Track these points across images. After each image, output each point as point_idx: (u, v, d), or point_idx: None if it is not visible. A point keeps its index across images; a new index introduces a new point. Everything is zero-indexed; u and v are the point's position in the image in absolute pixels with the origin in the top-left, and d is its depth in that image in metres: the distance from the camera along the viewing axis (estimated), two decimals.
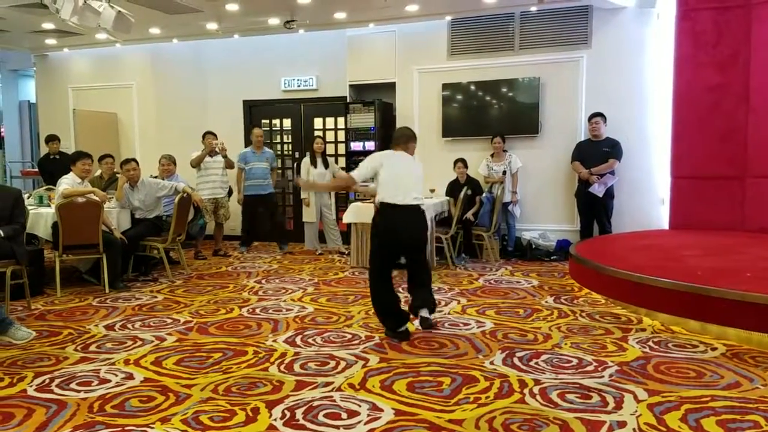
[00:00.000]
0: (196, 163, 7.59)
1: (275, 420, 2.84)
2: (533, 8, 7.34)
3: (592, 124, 7.00)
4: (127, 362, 3.71)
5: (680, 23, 6.81)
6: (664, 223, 7.12)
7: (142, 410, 2.98)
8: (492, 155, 7.54)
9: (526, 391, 3.16)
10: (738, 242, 6.00)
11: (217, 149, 7.60)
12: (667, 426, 2.72)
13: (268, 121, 9.10)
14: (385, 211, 4.15)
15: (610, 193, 6.94)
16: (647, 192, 7.24)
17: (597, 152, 6.91)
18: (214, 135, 7.69)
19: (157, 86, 9.38)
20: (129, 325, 4.58)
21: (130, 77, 9.48)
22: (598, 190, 6.82)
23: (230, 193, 8.00)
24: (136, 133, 9.58)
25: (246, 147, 8.21)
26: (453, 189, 7.32)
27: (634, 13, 7.11)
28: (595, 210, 7.03)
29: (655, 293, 4.47)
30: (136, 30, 7.46)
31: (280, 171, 8.64)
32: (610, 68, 7.25)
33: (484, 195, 7.28)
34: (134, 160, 6.52)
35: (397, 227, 4.15)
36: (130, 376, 3.46)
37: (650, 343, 3.95)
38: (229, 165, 7.75)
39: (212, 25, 7.95)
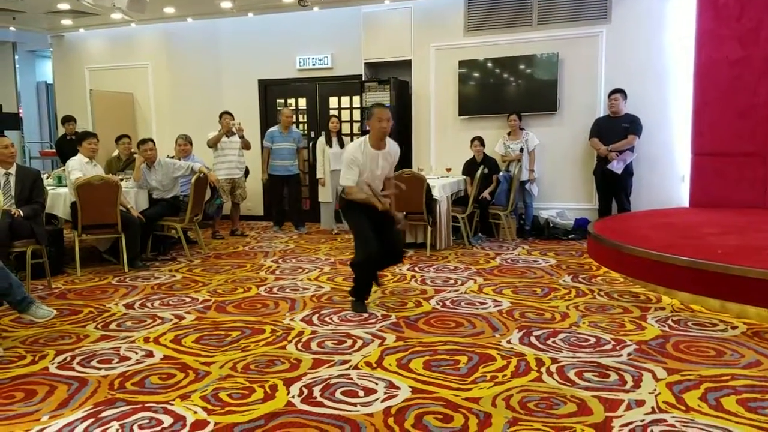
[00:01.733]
0: (213, 144, 7.59)
1: (293, 397, 2.86)
2: None
3: (611, 101, 6.88)
4: (146, 340, 3.76)
5: None
6: (684, 200, 7.02)
7: (162, 387, 3.02)
8: (508, 133, 7.46)
9: (543, 369, 3.16)
10: (759, 220, 5.91)
11: (233, 129, 7.60)
12: (687, 405, 2.70)
13: (283, 101, 9.07)
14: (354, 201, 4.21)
15: (629, 171, 6.84)
16: (667, 169, 7.13)
17: (616, 128, 6.80)
18: (231, 115, 7.68)
19: (173, 66, 9.37)
20: (148, 304, 4.63)
21: (146, 57, 9.47)
22: (616, 167, 6.73)
23: (247, 173, 8.00)
24: (152, 114, 9.59)
25: (273, 126, 8.14)
26: (469, 168, 7.26)
27: None
28: (613, 188, 6.94)
29: (674, 271, 4.42)
30: (151, 10, 7.46)
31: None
32: (630, 43, 7.11)
33: (501, 174, 7.22)
34: (151, 140, 6.54)
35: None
36: (150, 354, 3.50)
37: (669, 322, 3.92)
38: (245, 146, 7.74)
39: (226, 4, 7.91)
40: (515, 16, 7.55)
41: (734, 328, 3.77)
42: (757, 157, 6.57)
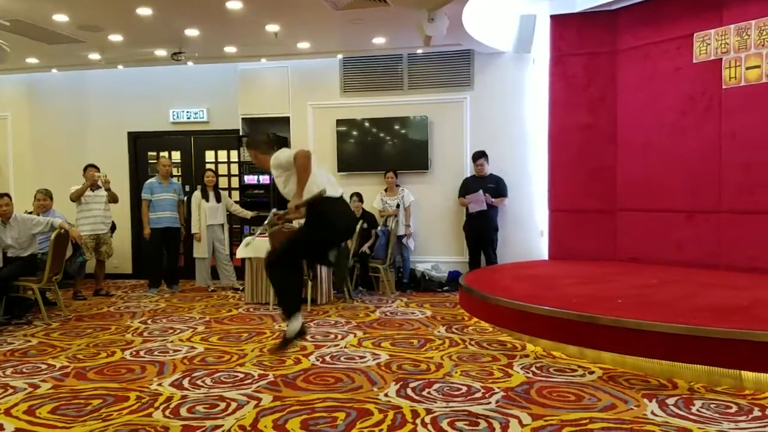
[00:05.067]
0: (76, 197, 7.18)
1: None
2: (419, 51, 7.70)
3: (477, 166, 7.38)
4: None
5: (553, 68, 7.38)
6: (544, 253, 7.57)
7: None
8: (386, 189, 7.72)
9: (418, 421, 3.22)
10: (610, 271, 6.46)
11: (99, 183, 7.24)
12: None
13: (155, 153, 8.78)
14: (330, 202, 3.78)
15: (494, 226, 7.33)
16: (529, 224, 7.69)
17: (482, 188, 7.27)
18: (96, 168, 7.33)
19: (34, 118, 8.84)
20: (0, 372, 4.21)
21: (5, 108, 8.88)
22: (478, 206, 7.15)
23: (113, 228, 7.60)
24: (10, 167, 8.92)
25: (139, 178, 7.83)
26: None
27: (511, 57, 7.63)
28: (481, 242, 7.38)
29: (536, 320, 4.72)
30: (12, 59, 7.03)
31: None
32: (491, 109, 7.72)
33: (379, 228, 7.42)
34: (7, 195, 6.09)
35: (348, 214, 4.07)
36: (0, 427, 3.17)
37: (533, 369, 4.16)
38: (113, 199, 7.38)
39: (95, 56, 7.62)
40: (388, 80, 7.97)
41: (591, 372, 4.07)
42: (606, 213, 7.26)
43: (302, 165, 3.59)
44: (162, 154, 8.73)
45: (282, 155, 3.78)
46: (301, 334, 3.93)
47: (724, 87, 6.22)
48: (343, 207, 3.94)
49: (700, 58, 6.41)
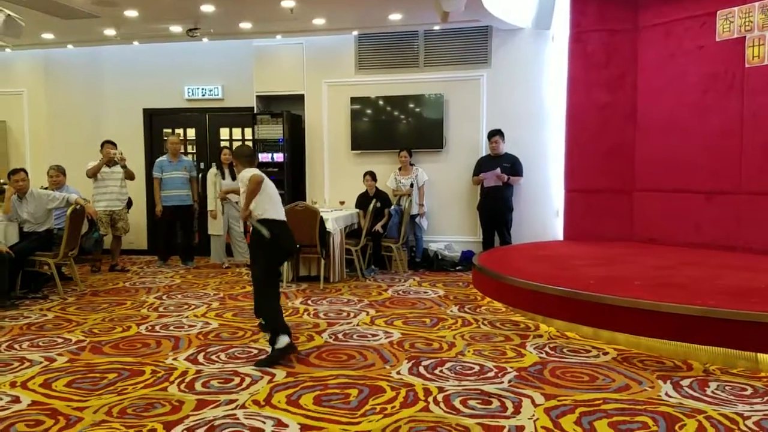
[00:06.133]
0: (93, 174, 7.22)
1: None
2: (436, 27, 7.58)
3: (492, 143, 7.30)
4: (13, 385, 3.47)
5: (573, 45, 7.24)
6: (559, 234, 7.50)
7: None
8: (399, 169, 7.68)
9: (430, 399, 3.23)
10: (627, 252, 6.42)
11: (116, 159, 7.27)
12: (563, 429, 2.86)
13: (170, 131, 8.79)
14: (273, 224, 4.12)
15: (509, 206, 7.27)
16: (544, 205, 7.62)
17: (496, 167, 7.18)
18: (113, 144, 7.36)
19: (50, 93, 8.87)
20: (16, 346, 4.26)
21: (21, 84, 8.92)
22: (493, 181, 7.09)
23: (130, 204, 7.65)
24: (26, 143, 9.00)
25: (153, 155, 7.89)
26: (362, 201, 7.38)
27: (530, 34, 7.50)
28: (495, 222, 7.32)
29: (550, 301, 4.70)
30: (28, 35, 7.04)
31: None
32: (508, 87, 7.60)
33: (392, 207, 7.39)
34: (23, 170, 6.13)
35: (289, 235, 4.27)
36: (17, 400, 3.23)
37: (546, 349, 4.15)
38: (129, 176, 7.43)
39: (110, 31, 7.61)
40: (403, 57, 7.87)
41: (605, 354, 4.05)
42: (623, 193, 7.18)
43: (251, 189, 3.99)
44: (177, 131, 8.76)
45: (246, 174, 4.07)
46: (292, 349, 3.99)
47: (747, 66, 6.08)
48: (281, 229, 4.15)
49: (723, 36, 6.26)
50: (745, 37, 6.07)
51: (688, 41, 6.55)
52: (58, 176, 6.83)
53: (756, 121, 6.04)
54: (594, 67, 7.16)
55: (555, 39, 7.46)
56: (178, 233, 7.93)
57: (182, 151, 8.04)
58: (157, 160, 7.78)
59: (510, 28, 7.45)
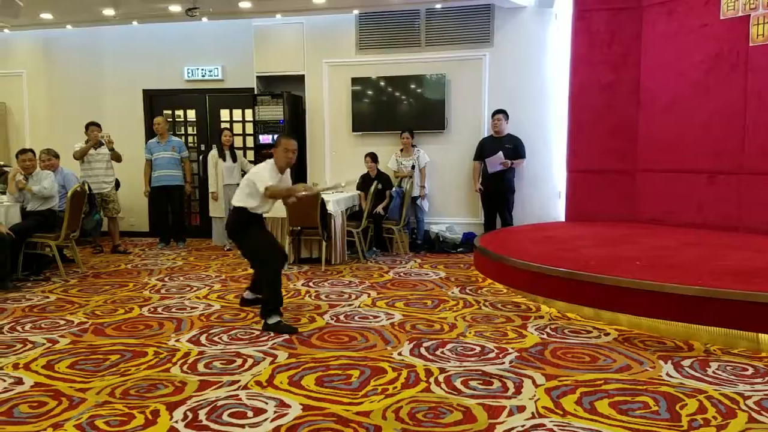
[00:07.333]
0: (80, 156, 7.25)
1: (176, 422, 2.74)
2: (438, 5, 7.50)
3: (494, 121, 7.25)
4: (16, 366, 3.48)
5: (576, 23, 7.15)
6: (561, 215, 7.49)
7: (32, 416, 2.80)
8: (401, 150, 7.64)
9: (431, 380, 3.24)
10: (629, 233, 6.38)
11: (103, 141, 7.25)
12: (564, 409, 2.87)
13: (170, 112, 8.75)
14: (253, 217, 4.47)
15: (510, 188, 7.24)
16: (546, 186, 7.59)
17: (499, 149, 7.13)
18: (98, 126, 7.33)
19: (50, 74, 8.84)
20: (18, 328, 4.28)
21: (20, 65, 8.87)
22: (497, 167, 7.04)
23: (117, 185, 7.64)
24: (26, 124, 8.98)
25: (152, 137, 7.88)
26: (363, 183, 7.35)
27: (533, 12, 7.42)
28: (497, 203, 7.30)
29: (551, 282, 4.69)
30: (26, 15, 6.97)
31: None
32: (511, 66, 7.53)
33: (393, 189, 7.36)
34: (31, 150, 6.17)
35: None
36: (20, 381, 3.24)
37: (548, 330, 4.15)
38: (116, 158, 7.41)
39: (109, 11, 7.53)
40: (405, 37, 7.79)
41: (607, 334, 4.05)
42: (625, 174, 7.14)
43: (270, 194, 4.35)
44: (177, 113, 8.71)
45: (263, 173, 4.39)
46: (291, 330, 4.16)
47: (751, 44, 6.00)
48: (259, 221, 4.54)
49: (728, 14, 6.18)
50: (749, 15, 5.99)
51: (692, 19, 6.47)
52: (50, 159, 6.72)
53: (760, 101, 5.98)
54: (597, 46, 7.09)
55: (558, 17, 7.38)
56: (168, 215, 7.92)
57: (171, 131, 8.02)
58: (148, 142, 7.83)
59: (513, 6, 7.37)
